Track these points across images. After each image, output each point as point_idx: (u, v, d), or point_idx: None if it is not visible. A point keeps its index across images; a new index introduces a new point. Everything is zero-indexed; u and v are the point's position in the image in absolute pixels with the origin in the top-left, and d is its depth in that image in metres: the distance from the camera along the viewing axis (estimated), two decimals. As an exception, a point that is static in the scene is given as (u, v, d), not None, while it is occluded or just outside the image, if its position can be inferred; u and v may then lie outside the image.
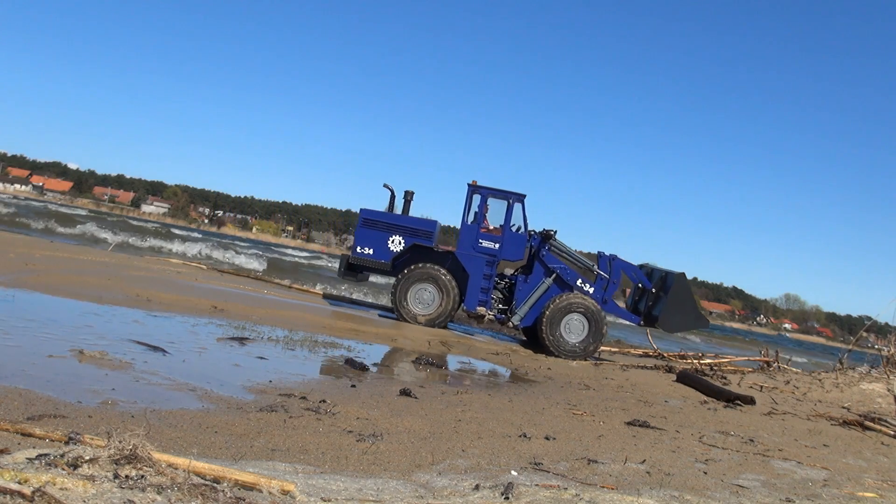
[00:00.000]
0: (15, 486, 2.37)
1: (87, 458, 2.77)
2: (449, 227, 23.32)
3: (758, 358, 15.59)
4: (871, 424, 8.06)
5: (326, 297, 15.69)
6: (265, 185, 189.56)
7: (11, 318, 6.66)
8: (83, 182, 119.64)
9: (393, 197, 13.79)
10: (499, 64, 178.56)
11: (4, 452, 2.84)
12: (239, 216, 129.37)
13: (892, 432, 7.86)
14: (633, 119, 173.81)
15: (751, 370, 13.97)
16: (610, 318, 13.45)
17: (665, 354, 14.40)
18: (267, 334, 8.56)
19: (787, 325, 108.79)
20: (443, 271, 12.64)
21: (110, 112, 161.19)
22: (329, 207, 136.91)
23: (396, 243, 12.87)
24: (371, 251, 12.84)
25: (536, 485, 3.77)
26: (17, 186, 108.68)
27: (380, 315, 13.43)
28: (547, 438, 5.36)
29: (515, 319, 12.88)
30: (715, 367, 13.65)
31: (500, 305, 13.24)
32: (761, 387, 10.85)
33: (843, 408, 9.73)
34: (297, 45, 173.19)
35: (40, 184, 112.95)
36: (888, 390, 10.62)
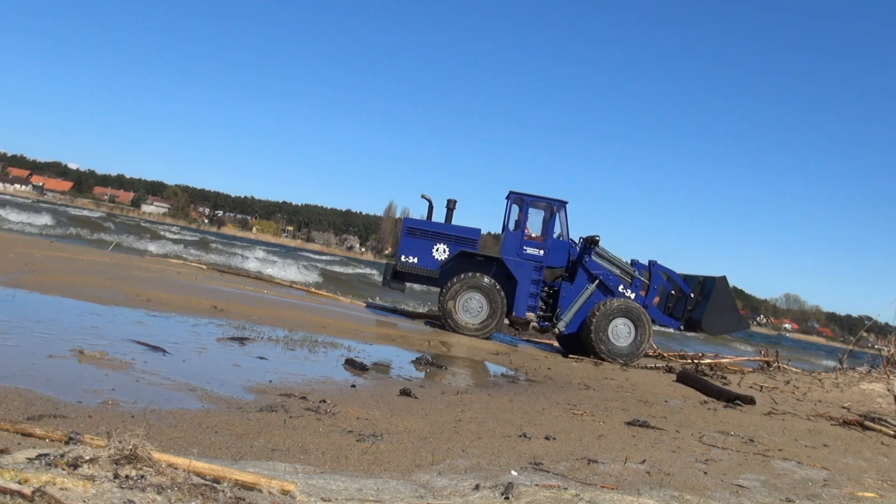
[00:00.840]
0: (15, 486, 2.37)
1: (87, 458, 2.77)
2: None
3: (758, 358, 15.61)
4: (871, 424, 8.06)
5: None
6: (265, 185, 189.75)
7: (11, 318, 6.66)
8: (83, 182, 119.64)
9: (431, 207, 13.90)
10: (498, 64, 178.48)
11: (4, 452, 2.84)
12: (239, 216, 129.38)
13: (892, 432, 7.86)
14: (629, 118, 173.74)
15: (751, 370, 13.98)
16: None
17: (665, 354, 14.41)
18: (267, 334, 8.56)
19: (787, 325, 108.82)
20: (491, 279, 12.67)
21: (110, 112, 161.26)
22: (329, 207, 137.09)
23: (441, 251, 12.97)
24: (416, 260, 12.91)
25: (536, 485, 3.77)
26: (17, 186, 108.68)
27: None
28: (547, 438, 5.36)
29: (561, 326, 12.99)
30: (715, 367, 13.67)
31: (541, 313, 13.33)
32: (761, 387, 10.85)
33: (843, 408, 9.72)
34: (298, 46, 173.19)
35: (40, 184, 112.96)
36: (888, 390, 10.62)
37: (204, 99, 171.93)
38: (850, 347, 14.60)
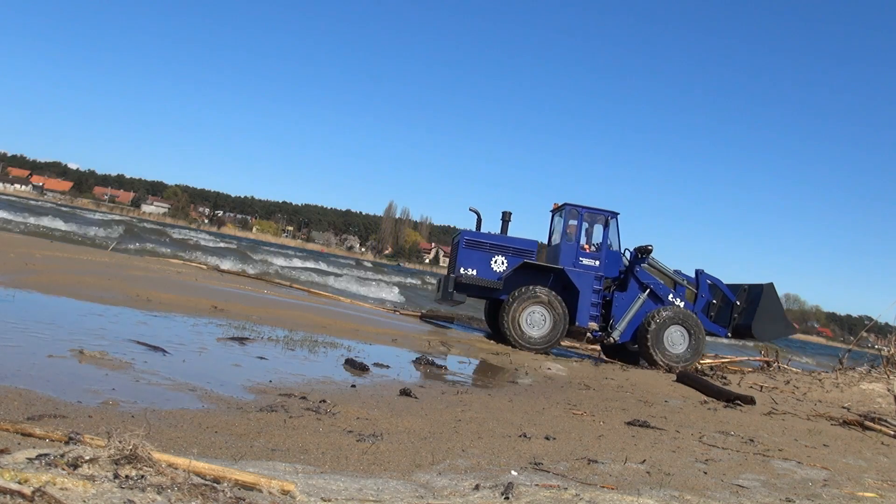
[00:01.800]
0: (15, 486, 2.37)
1: (87, 458, 2.77)
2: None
3: (758, 358, 15.63)
4: (871, 424, 8.06)
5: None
6: (265, 185, 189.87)
7: (11, 318, 6.66)
8: (83, 182, 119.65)
9: (479, 219, 14.04)
10: (498, 63, 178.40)
11: (4, 452, 2.84)
12: (239, 216, 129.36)
13: (892, 432, 7.86)
14: (624, 117, 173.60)
15: (751, 370, 14.01)
16: None
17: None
18: (267, 334, 8.56)
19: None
20: (551, 292, 12.77)
21: (110, 112, 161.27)
22: (329, 207, 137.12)
23: (499, 263, 13.06)
24: (475, 272, 12.98)
25: (536, 485, 3.77)
26: (17, 186, 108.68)
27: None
28: (547, 438, 5.36)
29: (616, 335, 13.19)
30: (715, 367, 13.69)
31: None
32: (761, 387, 10.85)
33: (843, 408, 9.72)
34: (298, 46, 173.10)
35: (40, 184, 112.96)
36: (888, 390, 10.62)
37: (204, 99, 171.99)
38: (850, 347, 14.63)
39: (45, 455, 2.77)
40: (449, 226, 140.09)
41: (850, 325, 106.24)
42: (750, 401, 8.85)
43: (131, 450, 2.78)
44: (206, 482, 2.82)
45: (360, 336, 10.21)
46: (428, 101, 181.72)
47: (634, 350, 13.57)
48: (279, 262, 33.14)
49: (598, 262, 13.21)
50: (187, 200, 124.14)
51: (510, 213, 13.90)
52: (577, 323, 12.99)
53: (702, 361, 13.56)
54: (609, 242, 13.45)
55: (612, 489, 3.93)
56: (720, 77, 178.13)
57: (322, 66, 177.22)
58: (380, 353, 9.00)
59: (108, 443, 2.85)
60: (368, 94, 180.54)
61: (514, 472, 4.15)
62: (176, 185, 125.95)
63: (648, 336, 12.84)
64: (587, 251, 13.30)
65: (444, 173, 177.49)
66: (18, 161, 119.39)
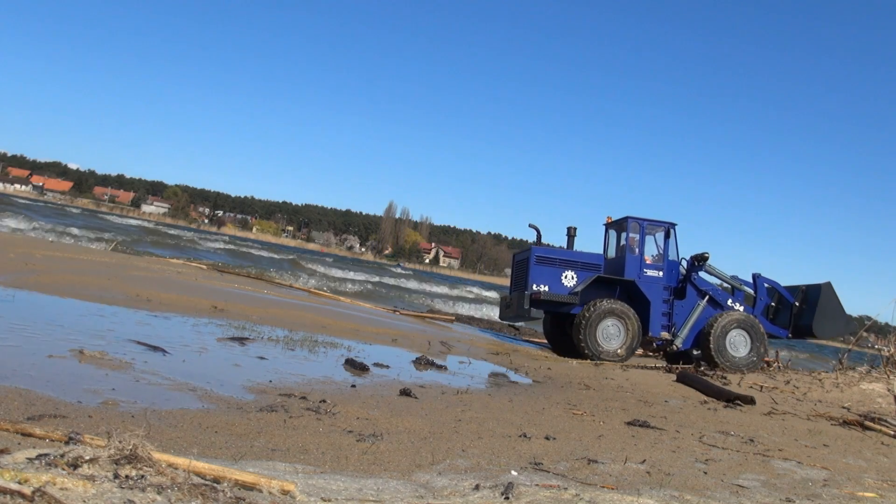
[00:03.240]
0: (15, 486, 2.37)
1: (87, 458, 2.77)
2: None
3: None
4: (871, 424, 8.05)
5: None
6: (265, 185, 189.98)
7: (11, 318, 6.65)
8: (83, 182, 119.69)
9: (539, 235, 14.32)
10: (496, 64, 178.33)
11: (4, 452, 2.84)
12: (239, 216, 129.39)
13: (892, 432, 7.86)
14: (623, 117, 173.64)
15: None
16: None
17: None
18: (267, 334, 8.56)
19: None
20: (624, 304, 12.97)
21: (110, 112, 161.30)
22: (329, 207, 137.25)
23: (569, 278, 13.28)
24: (546, 287, 13.18)
25: (536, 485, 3.77)
26: (17, 186, 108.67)
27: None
28: (547, 438, 5.36)
29: (678, 342, 13.41)
30: (715, 367, 13.66)
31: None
32: (761, 387, 10.84)
33: (843, 408, 9.72)
34: (298, 46, 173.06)
35: (40, 184, 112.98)
36: (888, 390, 10.61)
37: (204, 99, 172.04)
38: (850, 347, 14.61)
39: (45, 455, 2.77)
40: (449, 226, 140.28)
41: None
42: (750, 401, 8.84)
43: (131, 450, 2.78)
44: (206, 482, 2.82)
45: (360, 336, 10.21)
46: (428, 100, 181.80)
47: (697, 356, 13.73)
48: (348, 274, 32.18)
49: (661, 273, 13.54)
50: (187, 200, 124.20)
51: (575, 229, 14.23)
52: (649, 333, 13.28)
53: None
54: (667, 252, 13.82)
55: (612, 489, 3.93)
56: (706, 74, 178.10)
57: (322, 66, 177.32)
58: (380, 352, 9.00)
59: (108, 443, 2.85)
60: (368, 93, 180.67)
61: (514, 472, 4.14)
62: (176, 185, 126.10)
63: (711, 341, 13.09)
64: (649, 262, 13.58)
65: (444, 173, 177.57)
66: (18, 161, 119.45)
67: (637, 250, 13.51)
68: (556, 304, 13.31)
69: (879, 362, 12.52)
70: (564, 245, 14.26)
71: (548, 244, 14.27)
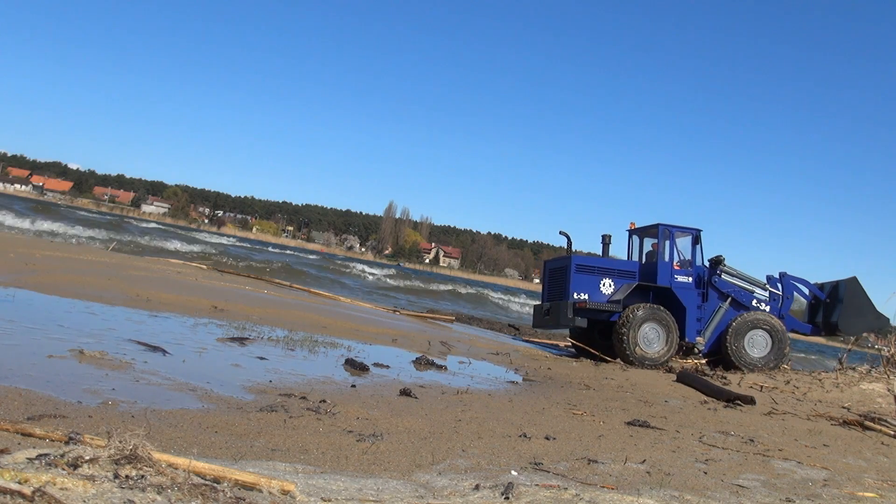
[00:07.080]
0: (15, 486, 2.37)
1: (87, 458, 2.77)
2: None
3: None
4: (871, 424, 8.05)
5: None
6: (265, 185, 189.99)
7: (11, 317, 6.65)
8: (83, 182, 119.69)
9: (570, 242, 14.46)
10: (496, 64, 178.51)
11: (4, 452, 2.84)
12: (239, 216, 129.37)
13: (892, 432, 7.86)
14: (623, 117, 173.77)
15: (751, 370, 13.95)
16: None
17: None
18: (267, 334, 8.56)
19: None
20: (663, 309, 13.06)
21: (110, 112, 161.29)
22: (329, 207, 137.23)
23: (607, 286, 13.43)
24: (586, 296, 13.28)
25: (536, 485, 3.77)
26: (17, 186, 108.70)
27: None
28: (547, 438, 5.36)
29: (700, 346, 13.47)
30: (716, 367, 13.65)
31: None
32: (761, 387, 10.85)
33: (843, 408, 9.72)
34: (298, 45, 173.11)
35: (40, 184, 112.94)
36: (888, 390, 10.62)
37: (204, 99, 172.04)
38: (850, 347, 14.62)
39: (45, 455, 2.77)
40: (449, 226, 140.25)
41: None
42: (750, 401, 8.84)
43: (131, 450, 2.78)
44: (207, 482, 2.82)
45: (360, 336, 10.21)
46: (428, 100, 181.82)
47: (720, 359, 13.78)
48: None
49: (690, 279, 13.63)
50: (187, 200, 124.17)
51: (610, 236, 14.35)
52: (685, 338, 13.35)
53: (702, 361, 13.55)
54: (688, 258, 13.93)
55: (612, 489, 3.93)
56: (699, 72, 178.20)
57: (322, 66, 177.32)
58: (380, 353, 9.00)
59: (108, 443, 2.85)
60: (368, 93, 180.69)
61: (514, 472, 4.15)
62: (176, 185, 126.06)
63: (728, 342, 13.17)
64: (678, 268, 13.67)
65: (445, 173, 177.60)
66: (18, 161, 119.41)
67: (668, 256, 13.63)
68: (599, 312, 13.37)
69: (879, 362, 12.52)
70: (569, 249, 14.44)
71: (577, 252, 14.35)
